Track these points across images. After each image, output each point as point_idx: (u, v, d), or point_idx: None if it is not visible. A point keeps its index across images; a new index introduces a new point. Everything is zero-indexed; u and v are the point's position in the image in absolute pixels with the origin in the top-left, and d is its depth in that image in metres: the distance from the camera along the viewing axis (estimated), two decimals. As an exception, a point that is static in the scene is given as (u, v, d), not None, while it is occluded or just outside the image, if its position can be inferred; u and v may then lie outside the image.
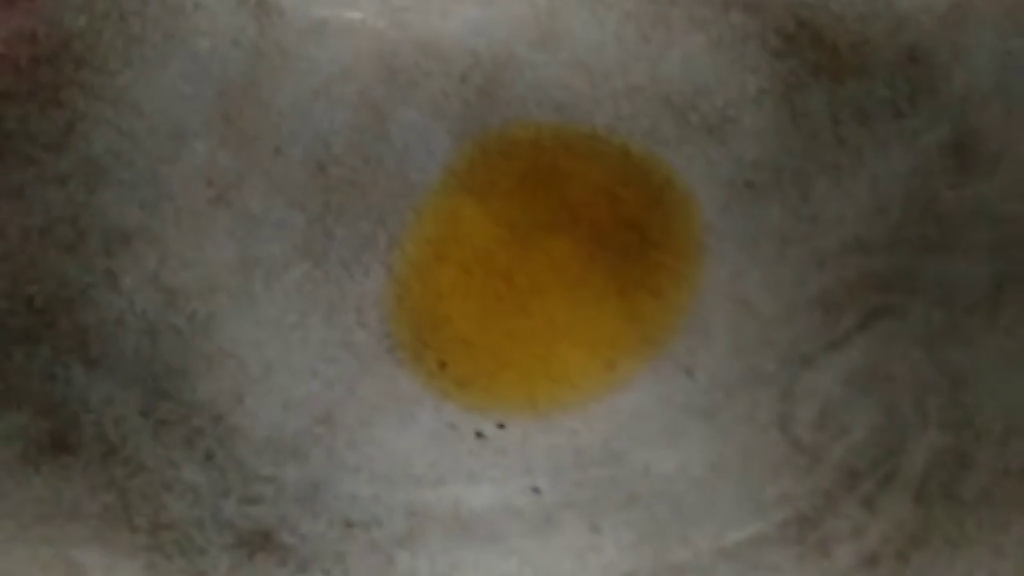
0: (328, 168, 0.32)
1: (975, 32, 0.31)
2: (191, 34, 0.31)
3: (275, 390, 0.31)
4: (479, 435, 0.31)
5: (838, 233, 0.31)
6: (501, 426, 0.31)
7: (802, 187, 0.31)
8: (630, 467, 0.30)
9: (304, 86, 0.32)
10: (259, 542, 0.29)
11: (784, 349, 0.31)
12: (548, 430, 0.31)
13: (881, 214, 0.31)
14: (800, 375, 0.30)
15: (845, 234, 0.31)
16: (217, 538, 0.29)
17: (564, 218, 0.32)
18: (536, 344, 0.32)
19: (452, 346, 0.32)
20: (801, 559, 0.29)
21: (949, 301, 0.30)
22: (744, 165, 0.32)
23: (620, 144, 0.32)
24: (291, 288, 0.32)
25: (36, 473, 0.29)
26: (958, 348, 0.29)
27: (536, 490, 0.30)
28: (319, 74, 0.32)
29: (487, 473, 0.31)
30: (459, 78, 0.32)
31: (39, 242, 0.30)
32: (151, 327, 0.30)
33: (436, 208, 0.32)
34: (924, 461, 0.29)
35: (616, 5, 0.32)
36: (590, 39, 0.32)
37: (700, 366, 0.31)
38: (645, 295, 0.32)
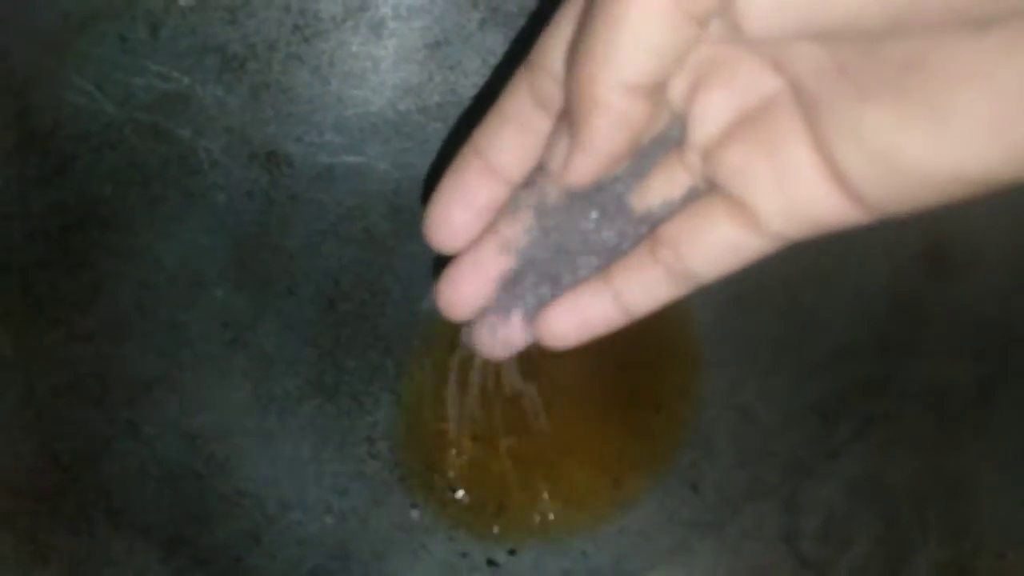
0: (337, 304, 0.33)
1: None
2: (208, 189, 0.33)
3: (291, 528, 0.31)
4: (491, 563, 0.31)
5: (828, 339, 0.31)
6: (512, 552, 0.31)
7: (790, 295, 0.32)
8: (642, 589, 0.30)
9: (313, 228, 0.33)
10: None
11: (785, 459, 0.31)
12: (559, 553, 0.31)
13: (868, 319, 0.31)
14: (802, 485, 0.30)
15: (835, 340, 0.31)
16: None
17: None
18: (543, 464, 0.32)
19: (462, 471, 0.33)
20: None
21: (939, 406, 0.30)
22: (731, 279, 0.33)
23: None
24: (305, 423, 0.32)
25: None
26: (953, 455, 0.29)
27: (551, 617, 0.30)
28: (327, 216, 0.33)
29: (500, 603, 0.30)
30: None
31: (67, 399, 0.31)
32: (171, 473, 0.31)
33: (441, 334, 0.33)
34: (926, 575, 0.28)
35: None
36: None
37: (705, 480, 0.31)
38: (648, 409, 0.33)
